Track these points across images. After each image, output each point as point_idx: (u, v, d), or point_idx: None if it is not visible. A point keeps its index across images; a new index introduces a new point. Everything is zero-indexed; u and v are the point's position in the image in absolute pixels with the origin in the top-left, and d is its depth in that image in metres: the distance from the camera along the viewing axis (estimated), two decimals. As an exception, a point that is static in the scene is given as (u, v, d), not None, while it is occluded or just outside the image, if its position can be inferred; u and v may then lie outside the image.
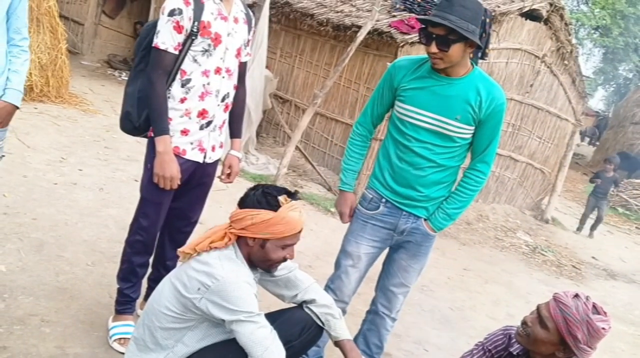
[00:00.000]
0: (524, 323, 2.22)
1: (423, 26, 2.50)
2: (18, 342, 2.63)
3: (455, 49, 2.43)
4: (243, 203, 2.18)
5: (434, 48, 2.43)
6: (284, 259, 2.21)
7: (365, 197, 2.81)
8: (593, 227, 10.24)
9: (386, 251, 2.93)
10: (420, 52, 6.98)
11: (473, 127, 2.60)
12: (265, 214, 2.11)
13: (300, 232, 2.20)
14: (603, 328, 2.08)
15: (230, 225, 2.18)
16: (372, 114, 2.83)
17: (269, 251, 2.16)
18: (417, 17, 2.57)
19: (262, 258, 2.19)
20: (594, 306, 2.12)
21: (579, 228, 10.32)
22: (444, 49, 2.42)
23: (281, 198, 2.14)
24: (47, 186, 4.52)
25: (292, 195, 2.19)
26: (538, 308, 2.20)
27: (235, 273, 2.08)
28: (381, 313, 2.92)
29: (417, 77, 2.61)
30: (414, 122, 2.60)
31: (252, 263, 2.24)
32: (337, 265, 2.89)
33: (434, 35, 2.41)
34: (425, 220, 2.74)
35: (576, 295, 2.14)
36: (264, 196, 2.14)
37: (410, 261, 2.82)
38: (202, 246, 2.14)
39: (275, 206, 2.12)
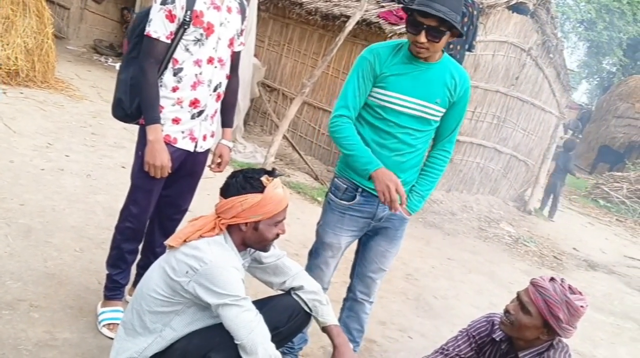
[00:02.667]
0: (506, 311, 2.29)
1: (409, 14, 2.48)
2: (7, 326, 2.65)
3: (443, 40, 2.48)
4: (226, 192, 2.20)
5: (422, 38, 2.43)
6: (277, 236, 2.27)
7: (338, 187, 2.76)
8: (552, 209, 10.49)
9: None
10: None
11: (445, 110, 2.66)
12: (252, 198, 2.15)
13: (287, 206, 2.24)
14: (582, 307, 2.16)
15: (219, 216, 2.20)
16: (355, 105, 2.65)
17: (263, 231, 2.21)
18: (406, 6, 2.54)
19: (257, 240, 2.24)
20: (570, 287, 2.21)
21: (542, 208, 10.55)
22: (435, 40, 2.44)
23: (263, 179, 2.18)
24: (34, 172, 4.51)
25: (272, 174, 2.24)
26: (518, 295, 2.27)
27: (223, 258, 2.12)
28: (360, 300, 2.95)
29: (396, 63, 2.60)
30: (395, 108, 2.60)
31: (247, 247, 2.28)
32: (315, 254, 2.88)
33: (425, 26, 2.41)
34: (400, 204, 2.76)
35: (552, 279, 2.23)
36: (246, 181, 2.17)
37: (388, 246, 2.85)
38: (192, 239, 2.17)
39: (260, 188, 2.16)
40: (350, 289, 3.02)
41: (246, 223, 2.18)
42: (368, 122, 2.67)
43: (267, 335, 2.10)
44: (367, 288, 2.94)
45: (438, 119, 2.67)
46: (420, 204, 2.78)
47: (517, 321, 2.24)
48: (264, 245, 2.28)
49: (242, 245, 2.27)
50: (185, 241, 2.17)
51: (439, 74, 2.59)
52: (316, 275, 2.86)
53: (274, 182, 2.19)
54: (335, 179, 2.80)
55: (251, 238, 2.23)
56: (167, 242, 2.22)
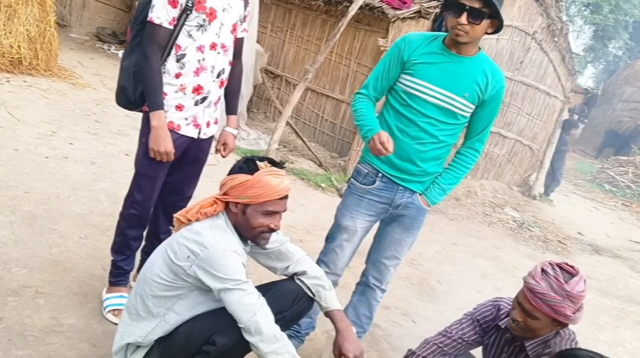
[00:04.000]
0: (514, 320, 2.24)
1: None
2: (13, 313, 2.67)
3: (484, 25, 2.48)
4: (231, 170, 2.26)
5: (464, 19, 2.43)
6: (269, 229, 2.24)
7: (359, 172, 2.82)
8: (546, 187, 10.42)
9: (377, 224, 2.97)
10: (411, 29, 6.98)
11: (475, 106, 2.66)
12: (241, 177, 2.18)
13: (282, 199, 2.23)
14: (582, 290, 2.11)
15: (219, 192, 2.25)
16: (375, 87, 2.76)
17: (249, 217, 2.20)
18: None
19: (245, 226, 2.23)
20: (562, 270, 2.15)
21: (546, 193, 10.49)
22: (476, 22, 2.44)
23: (261, 163, 2.20)
24: (38, 160, 4.52)
25: (276, 164, 2.24)
26: (520, 303, 2.21)
27: (224, 242, 2.14)
28: (372, 285, 2.98)
29: (428, 52, 2.62)
30: (422, 96, 2.62)
31: (239, 233, 2.28)
32: (331, 238, 2.91)
33: (468, 7, 2.42)
34: (420, 194, 2.78)
35: (543, 272, 2.15)
36: (245, 163, 2.22)
37: (403, 234, 2.87)
38: (193, 212, 2.21)
39: (253, 170, 2.19)
40: (363, 274, 3.05)
41: (236, 203, 2.21)
42: (393, 107, 2.72)
43: (271, 316, 2.12)
44: (380, 274, 2.95)
45: (466, 114, 2.67)
46: (441, 197, 2.80)
47: (527, 326, 2.20)
48: (253, 234, 2.25)
49: (236, 231, 2.27)
50: (187, 216, 2.21)
51: (471, 68, 2.60)
52: (330, 259, 2.90)
53: (269, 169, 2.20)
54: (358, 165, 2.86)
55: (240, 223, 2.24)
56: (174, 216, 2.28)
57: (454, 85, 2.60)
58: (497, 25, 2.53)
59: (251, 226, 2.22)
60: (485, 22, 2.47)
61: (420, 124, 2.65)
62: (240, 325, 2.07)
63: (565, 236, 8.24)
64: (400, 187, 2.75)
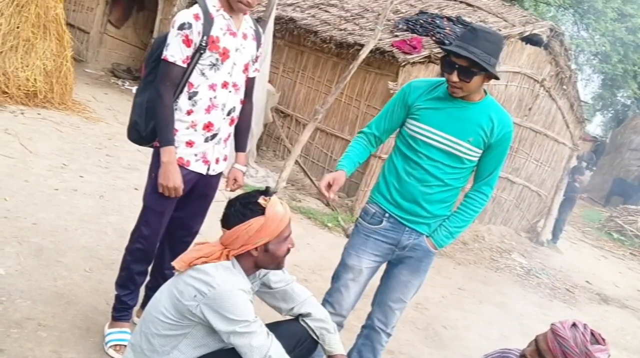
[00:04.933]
0: (522, 356, 2.20)
1: (445, 54, 2.59)
2: (14, 345, 2.65)
3: (476, 80, 2.54)
4: (228, 222, 2.20)
5: (455, 77, 2.52)
6: (289, 250, 2.28)
7: (367, 212, 2.84)
8: (554, 233, 10.36)
9: (384, 266, 2.96)
10: (421, 73, 7.07)
11: (481, 151, 2.69)
12: (256, 222, 2.15)
13: (290, 220, 2.25)
14: None
15: (226, 248, 2.20)
16: (378, 126, 2.86)
17: (274, 251, 2.22)
18: (443, 47, 2.65)
19: (270, 260, 2.25)
20: (592, 334, 2.11)
21: (554, 240, 10.45)
22: (466, 80, 2.52)
23: (261, 200, 2.18)
24: (48, 191, 4.55)
25: (267, 193, 2.23)
26: (536, 341, 2.17)
27: (231, 281, 2.12)
28: (377, 328, 2.94)
29: (433, 98, 2.69)
30: (426, 140, 2.68)
31: (260, 268, 2.29)
32: (336, 278, 2.90)
33: (457, 66, 2.50)
34: (427, 237, 2.79)
35: (574, 325, 2.12)
36: (245, 207, 2.18)
37: (410, 277, 2.85)
38: (193, 260, 2.17)
39: (260, 211, 2.16)
40: (369, 316, 3.02)
41: (256, 248, 2.19)
42: (401, 151, 2.78)
43: (282, 350, 2.11)
44: (385, 317, 2.92)
45: (473, 158, 2.70)
46: (448, 240, 2.80)
47: None
48: (277, 262, 2.28)
49: (255, 268, 2.27)
50: (190, 265, 2.17)
51: (476, 113, 2.65)
52: (336, 299, 2.88)
53: (272, 201, 2.19)
54: (367, 205, 2.88)
55: (264, 260, 2.24)
56: (173, 263, 2.23)
57: (457, 130, 2.64)
58: (493, 77, 2.57)
59: (277, 257, 2.24)
60: (477, 78, 2.54)
61: (425, 167, 2.69)
62: None
63: (574, 284, 8.13)
64: (407, 228, 2.76)
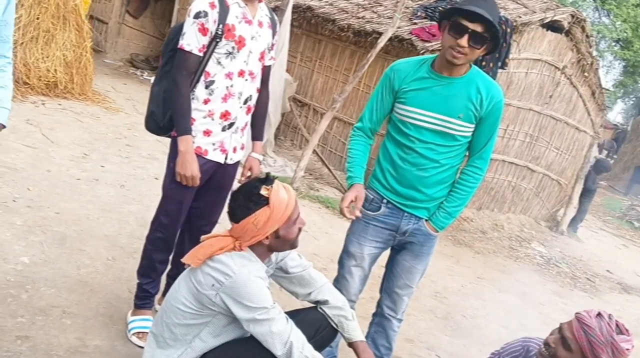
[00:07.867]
0: (546, 344, 2.18)
1: (452, 17, 2.45)
2: (40, 332, 2.70)
3: (483, 49, 2.47)
4: (235, 216, 2.20)
5: (465, 42, 2.40)
6: (300, 230, 2.29)
7: (366, 198, 2.77)
8: (571, 223, 10.21)
9: (388, 252, 2.95)
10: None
11: (474, 125, 2.62)
12: (262, 214, 2.15)
13: (296, 202, 2.25)
14: (627, 349, 2.05)
15: (237, 240, 2.21)
16: (371, 119, 2.80)
17: (286, 235, 2.22)
18: (456, 5, 2.52)
19: (283, 244, 2.26)
20: (617, 325, 2.10)
21: (574, 229, 10.32)
22: (476, 47, 2.42)
23: (263, 191, 2.17)
24: (70, 181, 4.61)
25: (267, 181, 2.21)
26: (561, 328, 2.16)
27: (247, 268, 2.13)
28: (387, 315, 2.95)
29: (417, 79, 2.61)
30: (416, 123, 2.61)
31: (274, 251, 2.31)
32: (340, 265, 2.92)
33: (470, 30, 2.39)
34: (426, 220, 2.75)
35: (599, 314, 2.11)
36: (248, 200, 2.17)
37: (413, 262, 2.83)
38: (206, 254, 2.18)
39: (264, 201, 2.16)
40: (378, 304, 3.02)
41: (267, 236, 2.20)
42: (392, 137, 2.73)
43: (303, 338, 2.13)
44: (394, 304, 2.93)
45: (465, 134, 2.63)
46: (448, 221, 2.75)
47: (556, 356, 2.13)
48: (291, 244, 2.29)
49: (269, 253, 2.29)
50: (199, 258, 2.18)
51: (463, 88, 2.56)
52: (342, 285, 2.89)
53: (274, 189, 2.18)
54: (365, 190, 2.82)
55: (277, 245, 2.26)
56: (184, 260, 2.23)
57: (445, 107, 2.56)
58: (491, 49, 2.50)
59: (289, 240, 2.25)
60: (484, 47, 2.46)
61: (419, 150, 2.64)
62: (276, 354, 2.08)
63: (594, 273, 8.06)
64: (406, 214, 2.73)
